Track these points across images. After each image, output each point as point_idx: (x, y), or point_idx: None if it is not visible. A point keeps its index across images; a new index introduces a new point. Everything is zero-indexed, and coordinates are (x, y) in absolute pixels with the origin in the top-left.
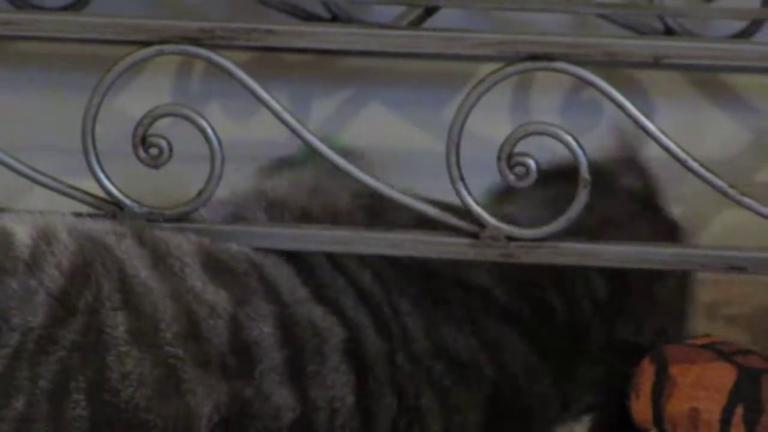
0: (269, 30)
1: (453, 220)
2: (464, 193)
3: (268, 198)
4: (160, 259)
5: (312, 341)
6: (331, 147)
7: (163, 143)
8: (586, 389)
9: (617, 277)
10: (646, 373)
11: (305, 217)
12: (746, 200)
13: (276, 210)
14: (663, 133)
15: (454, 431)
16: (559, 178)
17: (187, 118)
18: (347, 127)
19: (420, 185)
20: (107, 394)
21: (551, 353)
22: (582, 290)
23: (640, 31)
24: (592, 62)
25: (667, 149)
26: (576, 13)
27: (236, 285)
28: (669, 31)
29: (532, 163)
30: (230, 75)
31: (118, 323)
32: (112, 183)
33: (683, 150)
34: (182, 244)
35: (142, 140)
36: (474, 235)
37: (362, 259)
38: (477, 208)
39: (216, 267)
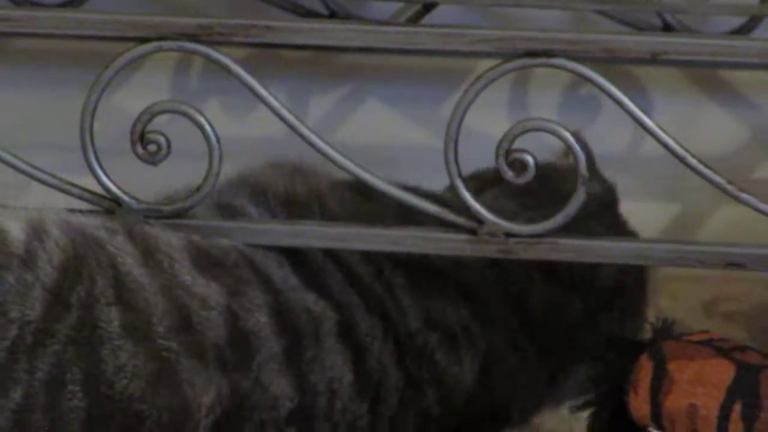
0: (267, 26)
1: (451, 216)
2: (462, 189)
3: (250, 183)
4: (149, 255)
5: (308, 327)
6: None
7: (162, 140)
8: (582, 383)
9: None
10: (645, 369)
11: (290, 199)
12: (744, 196)
13: (260, 194)
14: (661, 129)
15: (449, 401)
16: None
17: (185, 114)
18: (345, 123)
19: (418, 182)
20: (102, 385)
21: (537, 329)
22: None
23: (638, 28)
24: (590, 58)
25: (665, 145)
26: (574, 9)
27: (228, 277)
28: (667, 28)
29: (530, 159)
30: (228, 71)
31: (112, 318)
32: (111, 179)
33: (681, 146)
34: (171, 240)
35: (141, 137)
36: (472, 231)
37: None
38: (475, 205)
39: (206, 261)
